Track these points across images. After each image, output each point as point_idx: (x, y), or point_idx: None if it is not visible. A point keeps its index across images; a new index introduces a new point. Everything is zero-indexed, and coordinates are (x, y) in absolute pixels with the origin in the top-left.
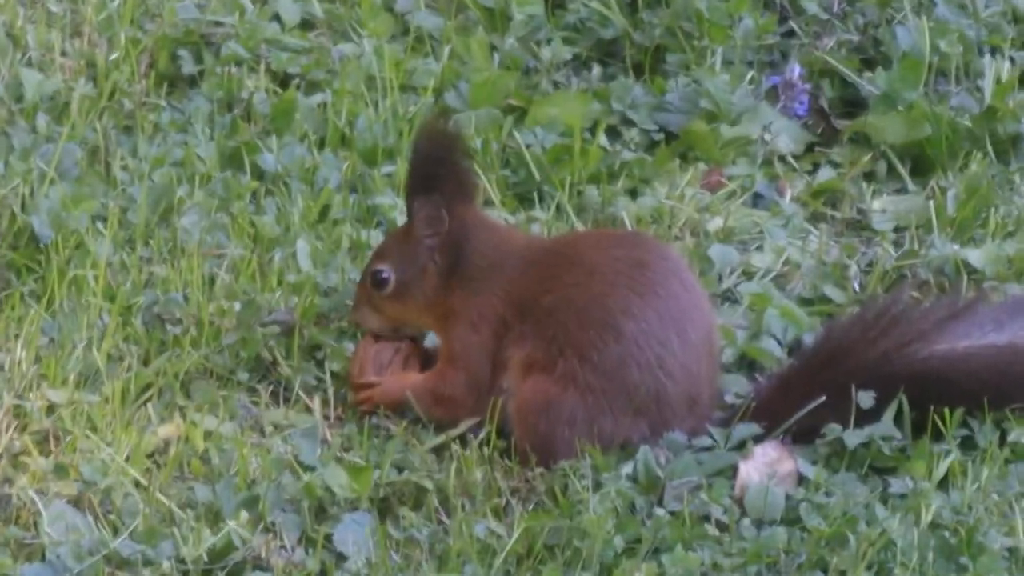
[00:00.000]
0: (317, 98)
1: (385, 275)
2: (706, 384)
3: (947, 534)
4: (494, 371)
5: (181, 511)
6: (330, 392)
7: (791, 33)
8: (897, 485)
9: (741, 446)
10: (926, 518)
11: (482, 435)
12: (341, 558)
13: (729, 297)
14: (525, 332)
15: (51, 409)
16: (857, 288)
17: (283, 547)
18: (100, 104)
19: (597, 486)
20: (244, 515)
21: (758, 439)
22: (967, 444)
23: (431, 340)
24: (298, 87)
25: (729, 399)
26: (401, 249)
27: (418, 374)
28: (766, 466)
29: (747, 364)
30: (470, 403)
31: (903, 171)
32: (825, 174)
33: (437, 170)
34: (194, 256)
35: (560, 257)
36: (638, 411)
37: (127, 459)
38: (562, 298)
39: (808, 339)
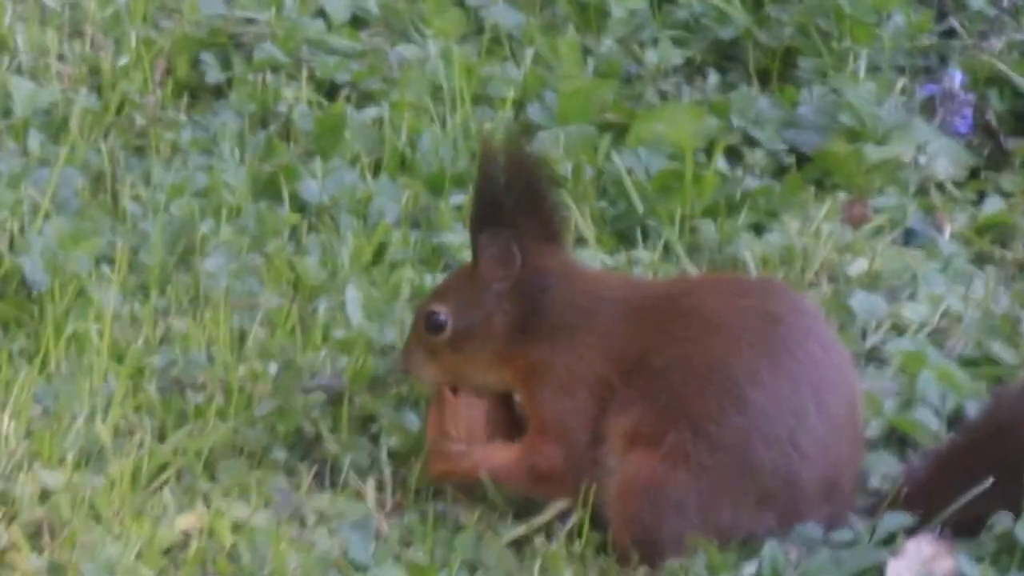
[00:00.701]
0: (371, 112)
1: (441, 318)
2: (847, 465)
3: None
4: (593, 442)
5: None
6: (386, 474)
7: (951, 32)
8: None
9: (890, 540)
10: None
11: (571, 524)
12: None
13: (875, 357)
14: (631, 397)
15: (45, 495)
16: None
17: None
18: (105, 120)
19: None
20: None
21: (911, 532)
22: None
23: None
24: (348, 99)
25: (875, 483)
26: (464, 291)
27: (507, 446)
28: (920, 565)
29: (897, 440)
30: (572, 480)
31: None
32: (993, 205)
33: (508, 199)
34: (220, 307)
35: (672, 306)
36: (764, 497)
37: (138, 556)
38: (676, 357)
39: (972, 409)
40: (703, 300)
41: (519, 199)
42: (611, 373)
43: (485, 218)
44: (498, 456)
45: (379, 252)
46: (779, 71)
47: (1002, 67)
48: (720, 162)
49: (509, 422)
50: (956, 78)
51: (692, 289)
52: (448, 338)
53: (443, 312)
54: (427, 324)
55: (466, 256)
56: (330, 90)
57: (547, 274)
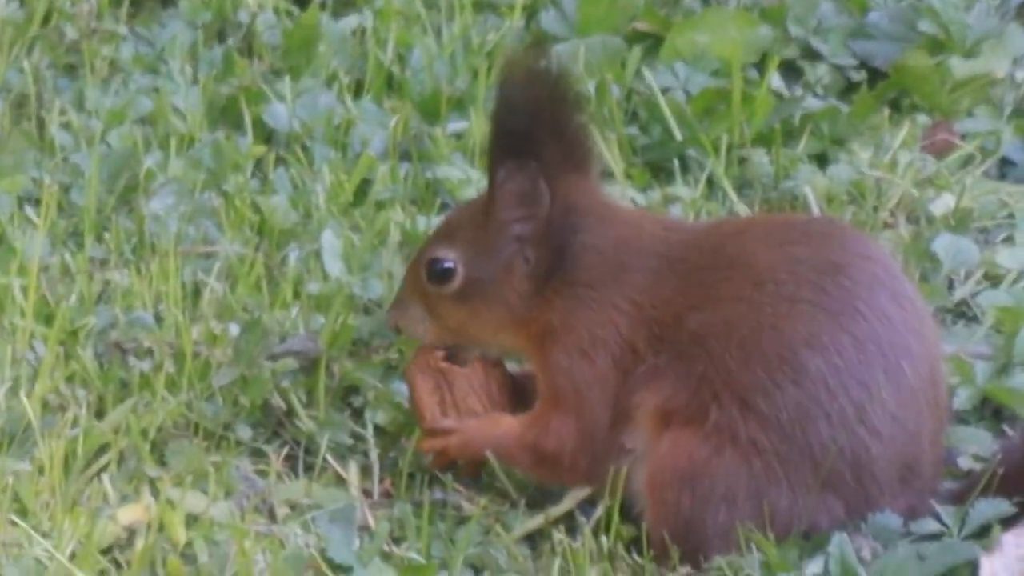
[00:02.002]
0: (351, 21)
1: (448, 265)
2: (928, 443)
3: None
4: (615, 422)
5: None
6: (372, 456)
7: None
8: None
9: (983, 533)
10: None
11: (597, 515)
12: None
13: (964, 313)
14: (662, 367)
15: None
16: None
17: None
18: (29, 32)
19: None
20: None
21: (1007, 523)
22: None
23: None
24: (323, 5)
25: (963, 463)
26: (476, 234)
27: (510, 419)
28: (1019, 562)
29: (991, 411)
30: (583, 464)
31: None
32: None
33: (534, 126)
34: (170, 257)
35: (714, 257)
36: (828, 483)
37: (72, 557)
38: (717, 318)
39: None
40: (751, 248)
41: (545, 125)
42: (639, 339)
43: (505, 147)
44: (496, 430)
45: (362, 189)
46: None
47: None
48: (775, 79)
49: (508, 390)
50: None
51: (738, 234)
52: (456, 290)
53: (451, 258)
54: (430, 272)
55: (467, 194)
56: None
57: (577, 214)
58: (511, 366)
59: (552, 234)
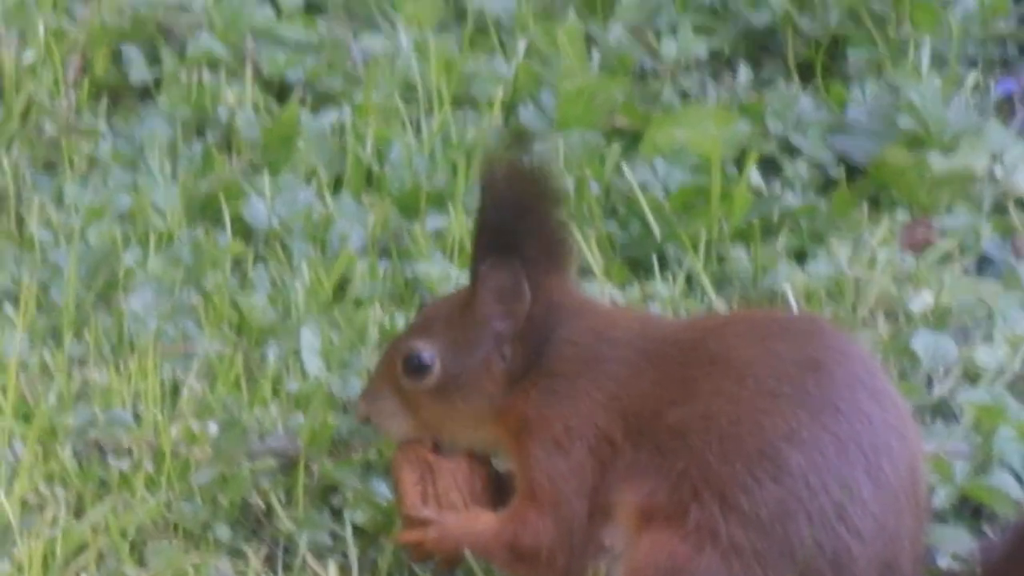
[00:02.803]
0: (330, 117)
1: (426, 359)
2: (908, 543)
3: None
4: (594, 518)
5: None
6: (352, 556)
7: None
8: None
9: None
10: None
11: None
12: None
13: (943, 411)
14: (642, 463)
15: None
16: None
17: None
18: (8, 128)
19: None
20: None
21: None
22: None
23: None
24: (302, 101)
25: (943, 563)
26: (455, 328)
27: (490, 515)
28: None
29: (970, 511)
30: (562, 559)
31: None
32: None
33: (517, 222)
34: (148, 355)
35: (694, 351)
36: None
37: None
38: (697, 413)
39: None
40: (731, 343)
41: (528, 221)
42: (616, 431)
43: (488, 243)
44: (475, 526)
45: (341, 287)
46: (824, 65)
47: None
48: (754, 176)
49: (492, 488)
50: None
51: (719, 330)
52: (433, 385)
53: (428, 351)
54: (407, 366)
55: (447, 291)
56: (280, 91)
57: (557, 311)
58: (498, 462)
59: (532, 331)
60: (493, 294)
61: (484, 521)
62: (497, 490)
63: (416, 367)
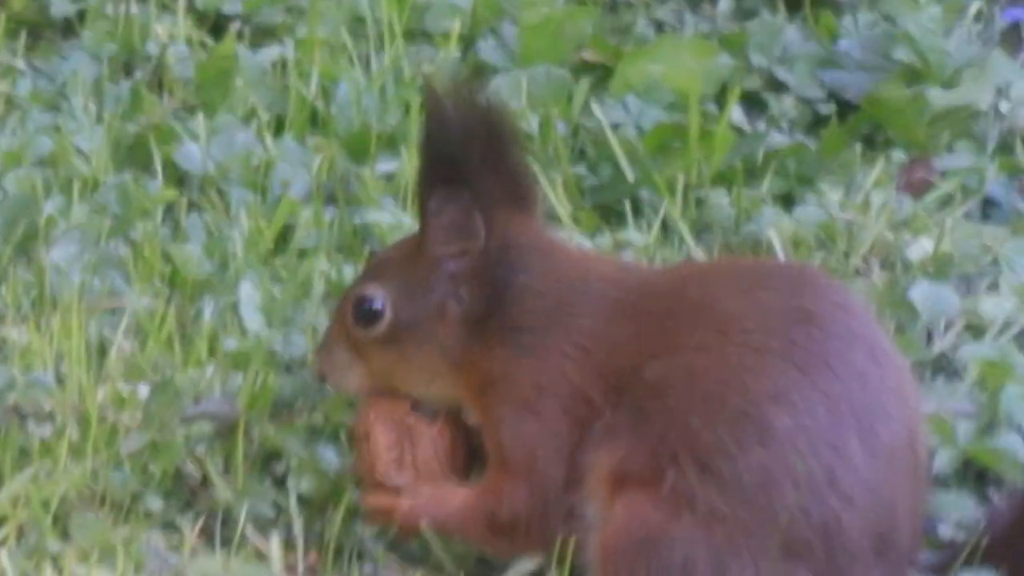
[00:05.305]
0: (271, 53)
1: (376, 305)
2: (905, 510)
3: None
4: (567, 484)
5: None
6: (296, 528)
7: None
8: None
9: None
10: None
11: None
12: None
13: (944, 368)
14: (618, 425)
15: None
16: None
17: None
18: None
19: None
20: None
21: None
22: None
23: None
24: (240, 35)
25: (945, 532)
26: (407, 271)
27: (465, 490)
28: None
29: (974, 475)
30: (540, 529)
31: None
32: None
33: (466, 152)
34: (72, 312)
35: (674, 301)
36: (795, 553)
37: None
38: (678, 369)
39: None
40: (715, 293)
41: (479, 152)
42: (593, 388)
43: (436, 177)
44: (451, 502)
45: (283, 236)
46: None
47: None
48: (736, 113)
49: (472, 460)
50: None
51: (701, 278)
52: (384, 332)
53: (379, 296)
54: (357, 312)
55: (398, 239)
56: (216, 24)
57: (516, 251)
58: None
59: (488, 272)
60: (443, 231)
61: (460, 497)
62: (475, 460)
63: (366, 314)
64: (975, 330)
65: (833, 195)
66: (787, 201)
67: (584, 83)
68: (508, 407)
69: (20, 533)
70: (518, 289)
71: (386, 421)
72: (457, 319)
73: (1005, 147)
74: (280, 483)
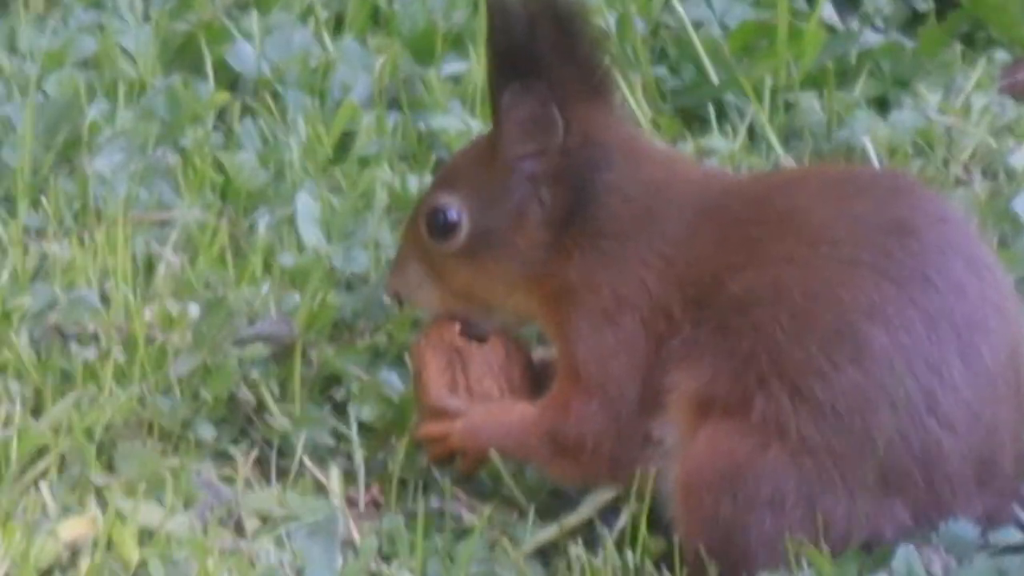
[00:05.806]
0: None
1: (452, 216)
2: (1009, 436)
3: None
4: (644, 406)
5: None
6: (357, 459)
7: None
8: None
9: None
10: None
11: (620, 525)
12: None
13: None
14: (700, 342)
15: None
16: None
17: None
18: None
19: None
20: None
21: None
22: None
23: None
24: None
25: None
26: (483, 177)
27: (525, 404)
28: None
29: None
30: (609, 451)
31: None
32: None
33: (536, 40)
34: (118, 225)
35: (761, 210)
36: (892, 483)
37: None
38: (764, 282)
39: None
40: (804, 202)
41: (549, 40)
42: (674, 301)
43: (507, 69)
44: (509, 416)
45: (343, 144)
46: None
47: None
48: (827, 10)
49: (531, 378)
50: None
51: (790, 186)
52: (462, 245)
53: (454, 207)
54: (431, 225)
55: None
56: None
57: (599, 148)
58: (537, 353)
59: (570, 170)
60: (519, 128)
61: (519, 411)
62: (536, 382)
63: (441, 226)
64: None
65: (931, 98)
66: (882, 105)
67: None
68: (585, 317)
69: (62, 464)
70: (603, 190)
71: (436, 346)
72: (538, 225)
73: None
74: (340, 410)
